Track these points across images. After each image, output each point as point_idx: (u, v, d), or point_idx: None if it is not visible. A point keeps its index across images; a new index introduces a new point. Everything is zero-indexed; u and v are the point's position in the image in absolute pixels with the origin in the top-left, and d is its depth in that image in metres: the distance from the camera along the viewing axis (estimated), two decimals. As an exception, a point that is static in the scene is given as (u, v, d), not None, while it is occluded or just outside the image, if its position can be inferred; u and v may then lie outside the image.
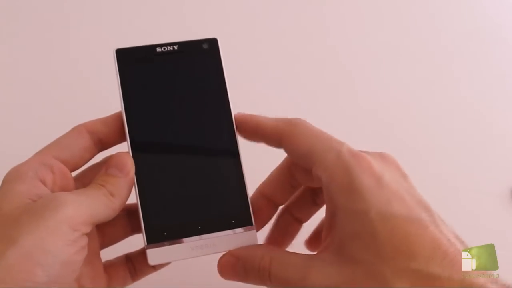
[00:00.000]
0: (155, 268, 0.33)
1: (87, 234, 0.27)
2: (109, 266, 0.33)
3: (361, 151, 0.29)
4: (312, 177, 0.30)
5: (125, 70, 0.30)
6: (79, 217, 0.26)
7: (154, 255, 0.30)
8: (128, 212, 0.32)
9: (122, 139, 0.31)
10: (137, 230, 0.33)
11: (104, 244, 0.33)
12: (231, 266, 0.30)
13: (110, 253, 0.34)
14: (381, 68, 0.60)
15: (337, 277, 0.26)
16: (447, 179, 0.53)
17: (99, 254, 0.32)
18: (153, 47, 0.31)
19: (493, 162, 0.56)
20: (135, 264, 0.33)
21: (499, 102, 0.62)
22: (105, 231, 0.32)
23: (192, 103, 0.31)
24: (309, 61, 0.59)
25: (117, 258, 0.34)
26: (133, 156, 0.30)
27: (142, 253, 0.32)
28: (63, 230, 0.25)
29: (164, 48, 0.31)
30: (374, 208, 0.26)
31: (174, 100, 0.31)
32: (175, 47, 0.31)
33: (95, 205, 0.28)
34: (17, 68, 0.51)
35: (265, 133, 0.31)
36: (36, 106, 0.50)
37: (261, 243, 0.31)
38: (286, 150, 0.31)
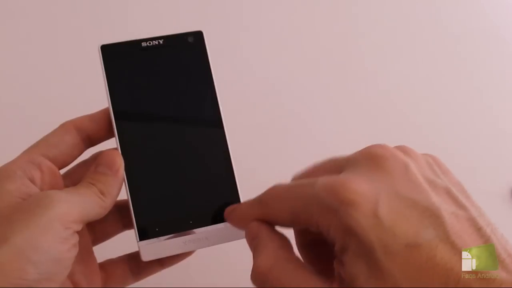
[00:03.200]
0: (162, 265, 0.33)
1: (78, 232, 0.27)
2: (108, 264, 0.33)
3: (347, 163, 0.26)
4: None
5: (111, 66, 0.30)
6: (71, 215, 0.26)
7: (147, 250, 0.30)
8: (118, 208, 0.32)
9: (110, 135, 0.31)
10: (128, 226, 0.33)
11: (96, 241, 0.33)
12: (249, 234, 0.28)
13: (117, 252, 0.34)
14: (380, 68, 0.60)
15: None
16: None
17: (92, 251, 0.32)
18: (138, 42, 0.31)
19: (493, 162, 0.56)
20: (141, 262, 0.32)
21: (499, 102, 0.61)
22: (95, 228, 0.32)
23: (180, 98, 0.31)
24: (299, 55, 0.58)
25: (119, 257, 0.33)
26: (122, 153, 0.30)
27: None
28: (55, 228, 0.25)
29: (149, 43, 0.31)
30: (377, 247, 0.23)
31: (161, 95, 0.31)
32: (161, 41, 0.31)
33: (86, 203, 0.28)
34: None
35: (248, 222, 0.29)
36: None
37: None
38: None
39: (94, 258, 0.31)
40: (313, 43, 0.60)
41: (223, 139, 0.31)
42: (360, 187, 0.24)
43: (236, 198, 0.31)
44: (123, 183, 0.30)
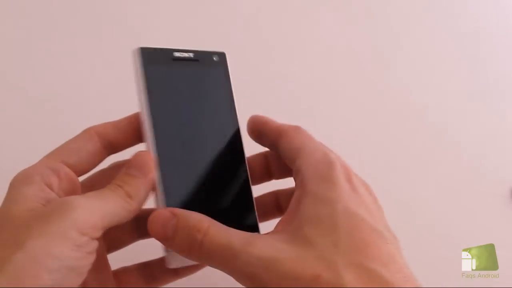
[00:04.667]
0: (177, 275, 0.33)
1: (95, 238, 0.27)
2: (121, 272, 0.33)
3: None
4: (287, 170, 0.32)
5: (148, 69, 0.30)
6: (88, 221, 0.25)
7: (173, 258, 0.29)
8: (136, 217, 0.32)
9: (133, 142, 0.31)
10: (143, 235, 0.33)
11: (110, 249, 0.33)
12: (162, 220, 0.28)
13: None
14: (381, 68, 0.60)
15: (285, 252, 0.25)
16: (447, 179, 0.53)
17: (106, 259, 0.31)
18: (171, 50, 0.31)
19: (493, 162, 0.56)
20: (156, 271, 0.33)
21: (499, 102, 0.62)
22: (111, 236, 0.32)
23: (205, 112, 0.32)
24: (310, 66, 0.59)
25: (133, 265, 0.34)
26: (157, 157, 0.29)
27: (162, 261, 0.32)
28: (71, 235, 0.24)
29: (181, 54, 0.31)
30: (342, 202, 0.27)
31: (190, 106, 0.31)
32: (191, 55, 0.32)
33: (108, 207, 0.27)
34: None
35: (270, 128, 0.33)
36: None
37: None
38: (280, 144, 0.32)
39: (108, 266, 0.31)
40: (321, 49, 0.60)
41: (242, 155, 0.32)
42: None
43: (253, 212, 0.31)
44: (155, 188, 0.29)
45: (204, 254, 0.27)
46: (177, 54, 0.31)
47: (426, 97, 0.60)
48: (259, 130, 0.33)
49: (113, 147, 0.31)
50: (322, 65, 0.58)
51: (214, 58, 0.32)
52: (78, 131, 0.31)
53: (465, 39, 0.65)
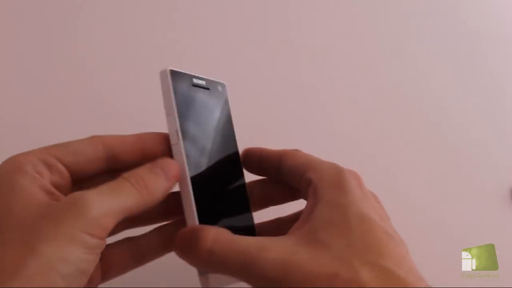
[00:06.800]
0: (166, 249, 0.33)
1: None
2: (105, 251, 0.32)
3: None
4: (286, 195, 0.34)
5: (177, 91, 0.31)
6: (100, 223, 0.25)
7: (214, 278, 0.30)
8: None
9: (137, 160, 0.30)
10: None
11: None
12: (185, 235, 0.29)
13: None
14: (382, 66, 0.60)
15: (301, 253, 0.26)
16: (447, 179, 0.54)
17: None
18: (191, 76, 0.33)
19: (493, 162, 0.56)
20: (143, 248, 0.32)
21: (499, 101, 0.62)
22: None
23: (216, 137, 0.34)
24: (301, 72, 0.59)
25: (118, 241, 0.33)
26: (188, 175, 0.30)
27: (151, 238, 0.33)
28: (83, 238, 0.24)
29: (198, 81, 0.34)
30: (354, 207, 0.28)
31: (206, 129, 0.33)
32: (204, 83, 0.34)
33: (122, 203, 0.26)
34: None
35: (269, 153, 0.34)
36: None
37: None
38: (284, 164, 0.33)
39: None
40: (315, 44, 0.60)
41: (242, 177, 0.34)
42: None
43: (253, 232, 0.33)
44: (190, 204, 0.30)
45: (215, 264, 0.27)
46: (195, 81, 0.33)
47: (426, 97, 0.60)
48: (259, 158, 0.34)
49: (115, 160, 0.30)
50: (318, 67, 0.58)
51: (219, 88, 0.35)
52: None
53: (468, 37, 0.65)
